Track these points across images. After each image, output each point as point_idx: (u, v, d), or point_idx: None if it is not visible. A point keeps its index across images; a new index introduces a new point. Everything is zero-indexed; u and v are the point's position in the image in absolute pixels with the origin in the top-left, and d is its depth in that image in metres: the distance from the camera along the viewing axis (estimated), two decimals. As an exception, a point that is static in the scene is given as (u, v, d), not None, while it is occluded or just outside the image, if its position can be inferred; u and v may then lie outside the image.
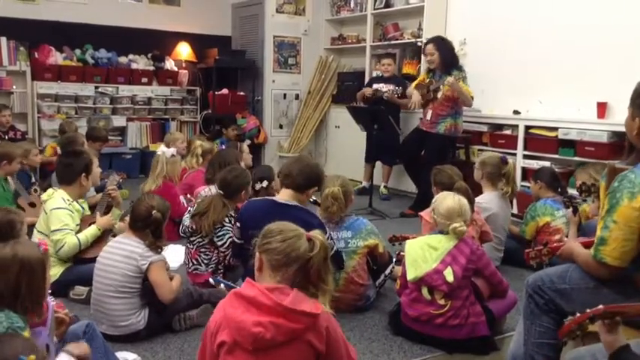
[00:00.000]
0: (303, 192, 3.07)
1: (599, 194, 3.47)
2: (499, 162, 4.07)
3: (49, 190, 3.54)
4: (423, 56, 5.85)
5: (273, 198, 3.13)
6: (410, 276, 2.88)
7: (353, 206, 3.47)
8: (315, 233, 1.90)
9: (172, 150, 4.96)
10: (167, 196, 4.27)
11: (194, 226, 3.52)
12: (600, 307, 1.64)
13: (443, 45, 5.58)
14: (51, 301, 2.08)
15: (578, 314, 1.68)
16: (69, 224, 3.39)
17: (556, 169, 4.71)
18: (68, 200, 3.47)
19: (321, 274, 1.88)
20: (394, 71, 6.72)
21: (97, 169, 3.86)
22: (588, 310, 1.67)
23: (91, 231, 3.47)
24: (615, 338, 1.67)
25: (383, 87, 6.46)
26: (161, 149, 4.86)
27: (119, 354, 2.57)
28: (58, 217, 3.37)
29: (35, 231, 3.47)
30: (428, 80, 5.70)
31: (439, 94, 5.55)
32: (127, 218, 3.10)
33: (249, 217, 3.06)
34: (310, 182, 3.09)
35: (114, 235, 3.45)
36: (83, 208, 3.65)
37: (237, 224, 3.19)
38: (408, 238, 3.65)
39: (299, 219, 2.95)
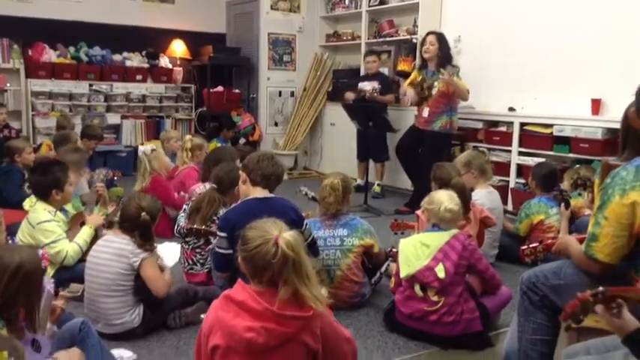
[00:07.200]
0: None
1: (593, 189, 3.48)
2: (481, 154, 4.14)
3: (32, 198, 3.47)
4: (420, 47, 5.84)
5: (255, 196, 2.99)
6: (403, 273, 2.89)
7: (349, 204, 3.47)
8: (285, 235, 1.78)
9: (151, 146, 4.95)
10: (158, 189, 4.31)
11: (188, 228, 3.51)
12: (600, 288, 1.60)
13: (444, 40, 5.63)
14: (48, 285, 2.08)
15: (579, 294, 1.64)
16: (62, 234, 3.37)
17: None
18: (52, 212, 3.41)
19: (290, 275, 1.76)
20: (378, 68, 6.74)
21: (77, 179, 3.84)
22: (589, 291, 1.63)
23: (86, 232, 3.47)
24: (624, 322, 1.63)
25: (366, 85, 6.48)
26: (141, 149, 4.84)
27: (115, 351, 2.57)
28: (49, 229, 3.33)
29: (18, 239, 3.36)
30: (420, 78, 5.71)
31: (434, 91, 5.57)
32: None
33: (239, 221, 2.77)
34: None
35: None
36: (67, 214, 3.62)
37: (224, 234, 2.95)
38: (409, 226, 3.68)
39: (287, 207, 2.97)
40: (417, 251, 2.90)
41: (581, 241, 2.18)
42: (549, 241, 2.48)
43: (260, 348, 1.74)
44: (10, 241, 2.91)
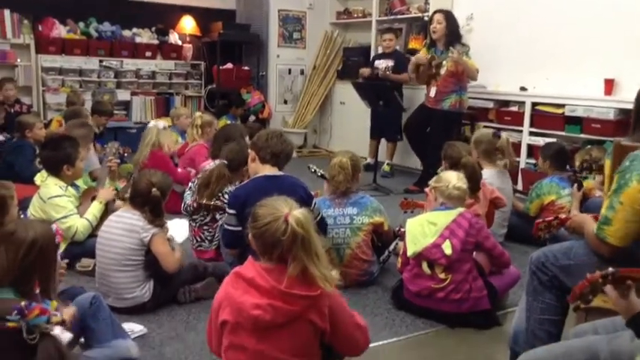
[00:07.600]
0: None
1: (600, 171, 3.44)
2: (492, 137, 4.09)
3: (44, 173, 3.50)
4: (428, 26, 5.79)
5: (265, 174, 2.97)
6: (410, 251, 2.91)
7: (358, 183, 3.46)
8: (295, 213, 1.80)
9: (164, 123, 4.98)
10: (160, 163, 4.31)
11: (195, 204, 3.52)
12: (610, 269, 1.60)
13: (451, 18, 5.57)
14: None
15: (588, 275, 1.64)
16: (72, 209, 3.41)
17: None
18: (63, 187, 3.45)
19: (299, 252, 1.78)
20: (395, 46, 6.66)
21: (87, 154, 3.85)
22: (599, 272, 1.63)
23: (96, 207, 3.50)
24: (630, 303, 1.62)
25: (381, 63, 6.41)
26: (152, 122, 4.87)
27: (126, 325, 2.60)
28: (60, 204, 3.36)
29: (29, 214, 3.41)
30: (429, 56, 5.66)
31: (442, 70, 5.52)
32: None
33: (249, 198, 2.76)
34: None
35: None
36: (78, 189, 3.64)
37: (233, 211, 2.94)
38: (418, 205, 3.67)
39: (297, 185, 2.97)
40: (424, 229, 2.91)
41: (596, 219, 2.17)
42: (564, 216, 2.46)
43: (267, 325, 1.77)
44: (22, 216, 2.94)
